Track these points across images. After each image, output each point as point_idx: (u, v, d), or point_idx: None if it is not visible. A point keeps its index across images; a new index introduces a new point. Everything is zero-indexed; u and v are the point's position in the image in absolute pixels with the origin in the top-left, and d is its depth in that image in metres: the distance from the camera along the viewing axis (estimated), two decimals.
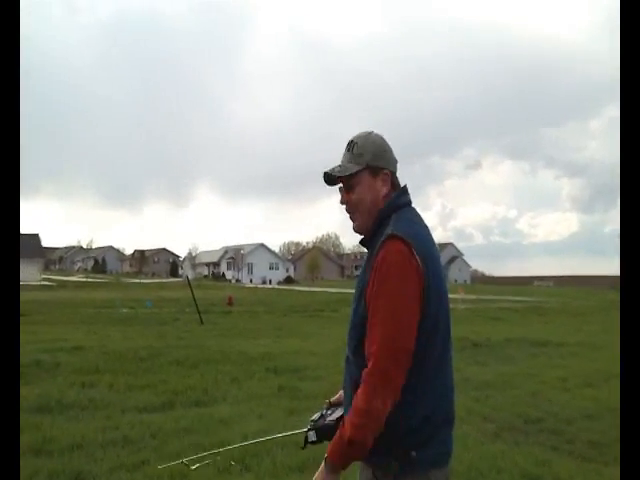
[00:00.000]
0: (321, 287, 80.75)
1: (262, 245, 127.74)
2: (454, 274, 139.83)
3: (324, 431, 2.80)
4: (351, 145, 2.79)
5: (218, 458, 6.24)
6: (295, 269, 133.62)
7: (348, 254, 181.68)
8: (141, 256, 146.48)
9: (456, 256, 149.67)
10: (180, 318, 25.37)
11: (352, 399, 2.50)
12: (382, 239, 2.56)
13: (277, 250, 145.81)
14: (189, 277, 37.35)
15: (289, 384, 10.98)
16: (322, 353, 15.28)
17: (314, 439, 2.82)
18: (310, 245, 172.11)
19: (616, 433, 8.23)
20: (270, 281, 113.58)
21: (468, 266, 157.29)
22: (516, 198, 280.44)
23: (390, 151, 2.81)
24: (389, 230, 2.57)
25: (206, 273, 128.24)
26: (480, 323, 26.51)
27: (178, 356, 13.97)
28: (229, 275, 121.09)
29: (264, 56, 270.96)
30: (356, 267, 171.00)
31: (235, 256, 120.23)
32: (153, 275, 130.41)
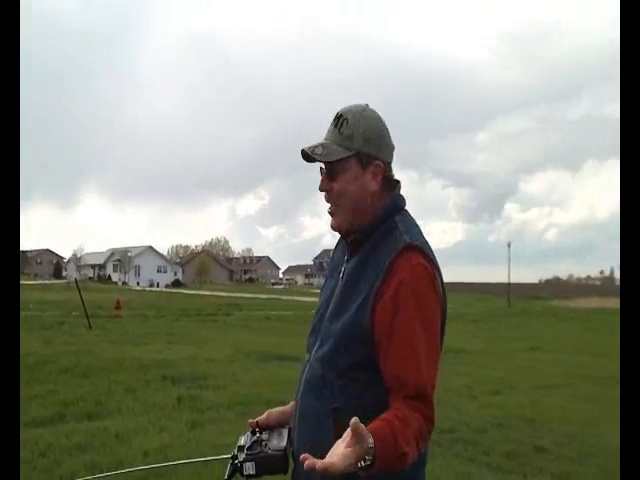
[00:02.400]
0: (210, 291, 79.97)
1: (150, 248, 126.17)
2: None
3: (267, 463, 2.19)
4: (339, 121, 2.22)
5: None
6: (183, 272, 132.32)
7: (237, 258, 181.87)
8: (22, 257, 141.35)
9: None
10: (66, 322, 24.04)
11: (317, 432, 2.04)
12: (397, 247, 2.10)
13: (165, 253, 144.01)
14: (74, 279, 35.85)
15: (189, 394, 10.33)
16: (220, 360, 14.69)
17: (252, 472, 2.18)
18: (199, 249, 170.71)
19: (529, 442, 8.12)
20: (158, 284, 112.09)
21: None
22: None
23: (387, 135, 2.27)
24: (405, 237, 2.13)
25: (91, 275, 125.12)
26: None
27: (67, 364, 12.94)
28: (115, 278, 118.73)
29: (155, 55, 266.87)
30: (245, 271, 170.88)
31: (122, 258, 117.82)
32: (35, 276, 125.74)
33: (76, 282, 25.48)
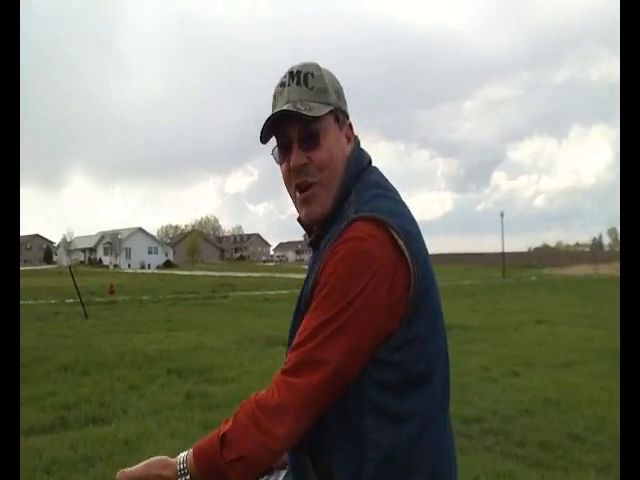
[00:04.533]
0: (202, 271, 79.60)
1: (140, 229, 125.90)
2: None
3: None
4: (300, 77, 1.76)
5: None
6: (174, 253, 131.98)
7: (227, 237, 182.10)
8: None
9: None
10: (61, 311, 23.46)
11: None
12: (340, 228, 1.63)
13: (155, 234, 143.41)
14: (64, 264, 35.21)
15: (197, 389, 9.80)
16: (224, 348, 14.17)
17: None
18: (189, 228, 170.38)
19: (562, 430, 7.68)
20: (149, 266, 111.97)
21: None
22: (391, 178, 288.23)
23: (342, 88, 1.86)
24: (350, 212, 1.66)
25: (82, 259, 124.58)
26: None
27: (66, 360, 12.32)
28: (106, 261, 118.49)
29: (140, 34, 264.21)
30: (236, 249, 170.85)
31: (112, 241, 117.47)
32: (26, 262, 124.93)
33: (70, 270, 24.85)
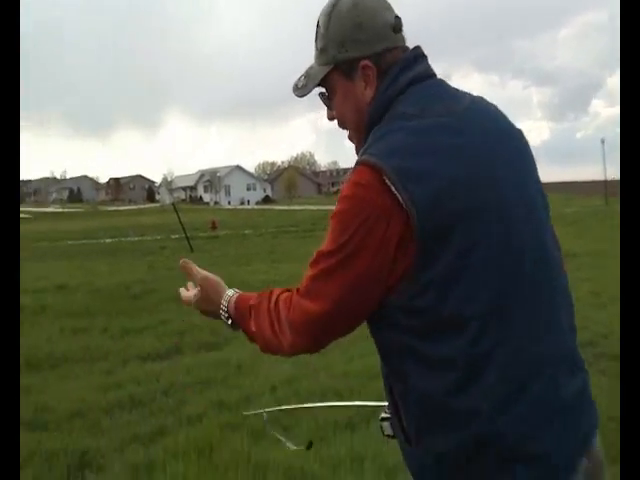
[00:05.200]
0: (300, 205, 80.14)
1: (238, 167, 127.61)
2: None
3: None
4: (315, 33, 1.81)
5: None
6: (272, 189, 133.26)
7: (324, 171, 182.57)
8: (116, 184, 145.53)
9: None
10: (167, 246, 24.07)
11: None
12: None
13: (253, 171, 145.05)
14: (167, 202, 35.98)
15: None
16: None
17: (390, 433, 1.86)
18: (285, 164, 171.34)
19: None
20: (248, 202, 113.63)
21: None
22: None
23: (370, 18, 1.70)
24: (360, 154, 1.67)
25: (184, 197, 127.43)
26: None
27: (174, 291, 12.63)
28: (207, 198, 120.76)
29: None
30: (332, 184, 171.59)
31: (212, 179, 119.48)
32: (130, 202, 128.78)
33: (174, 206, 25.37)
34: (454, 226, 1.52)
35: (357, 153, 1.78)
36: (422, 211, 1.49)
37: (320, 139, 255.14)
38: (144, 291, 12.64)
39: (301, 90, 1.83)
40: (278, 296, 1.73)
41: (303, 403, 5.83)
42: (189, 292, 1.98)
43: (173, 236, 27.20)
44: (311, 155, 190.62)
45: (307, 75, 1.83)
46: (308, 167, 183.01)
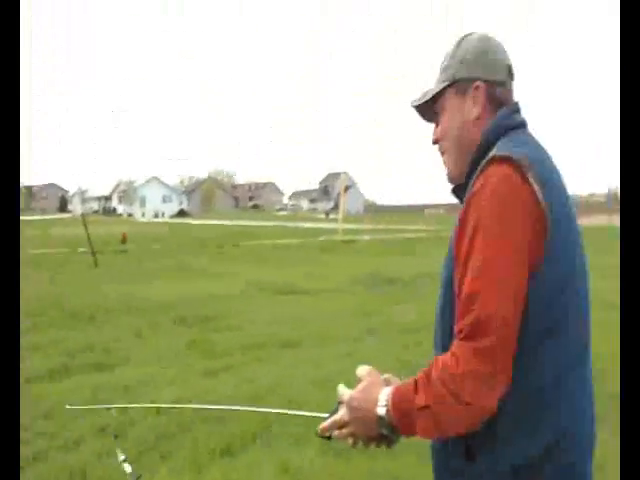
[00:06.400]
0: (216, 219, 79.74)
1: (155, 178, 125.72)
2: (348, 204, 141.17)
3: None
4: (444, 57, 1.98)
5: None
6: (189, 202, 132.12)
7: (242, 185, 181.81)
8: (28, 192, 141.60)
9: (349, 185, 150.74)
10: (72, 259, 23.59)
11: None
12: (479, 169, 1.71)
13: (170, 183, 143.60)
14: (78, 212, 35.23)
15: (200, 337, 9.84)
16: (232, 297, 14.24)
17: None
18: (204, 177, 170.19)
19: None
20: (163, 214, 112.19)
21: (361, 195, 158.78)
22: None
23: (493, 52, 1.91)
24: (491, 154, 1.71)
25: (96, 208, 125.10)
26: (388, 255, 25.83)
27: (72, 307, 12.46)
28: (121, 209, 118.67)
29: None
30: (250, 198, 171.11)
31: (127, 189, 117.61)
32: (42, 211, 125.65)
33: (82, 218, 24.88)
34: (564, 240, 1.66)
35: (449, 176, 1.97)
36: (554, 217, 1.62)
37: (241, 153, 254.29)
38: (41, 307, 12.37)
39: (417, 101, 2.00)
40: (440, 362, 1.60)
41: (185, 427, 5.89)
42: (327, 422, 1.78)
43: (80, 249, 26.63)
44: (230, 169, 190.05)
45: (426, 92, 1.98)
46: (227, 180, 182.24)
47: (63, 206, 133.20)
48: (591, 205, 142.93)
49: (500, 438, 1.63)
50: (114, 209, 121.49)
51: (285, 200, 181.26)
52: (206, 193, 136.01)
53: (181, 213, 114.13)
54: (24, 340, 9.54)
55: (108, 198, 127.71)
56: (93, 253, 22.19)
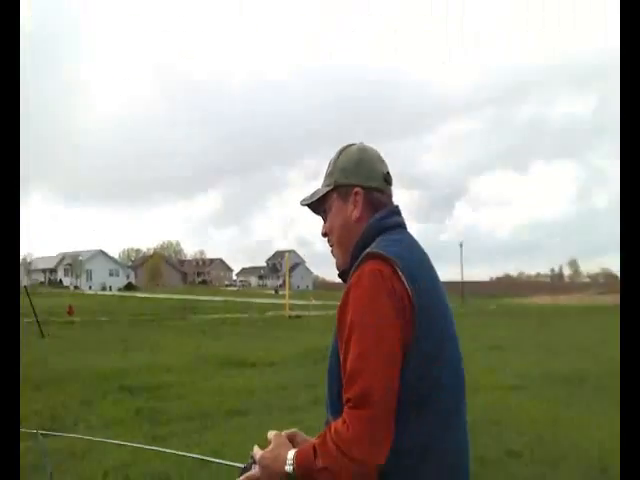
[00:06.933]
0: (164, 294, 79.04)
1: (101, 251, 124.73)
2: (297, 281, 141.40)
3: None
4: (328, 164, 2.32)
5: None
6: (136, 276, 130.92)
7: (189, 260, 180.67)
8: None
9: (298, 263, 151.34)
10: None
11: None
12: (356, 264, 2.02)
13: (117, 256, 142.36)
14: (23, 284, 34.98)
15: (147, 405, 9.96)
16: (177, 368, 14.32)
17: None
18: (151, 251, 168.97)
19: (501, 447, 7.92)
20: (110, 288, 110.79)
21: (310, 273, 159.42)
22: None
23: (371, 163, 2.24)
24: (366, 251, 2.02)
25: (42, 280, 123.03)
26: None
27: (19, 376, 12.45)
28: (67, 282, 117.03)
29: (102, 59, 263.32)
30: (198, 274, 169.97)
31: (73, 262, 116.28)
32: None
33: (26, 289, 24.74)
34: (432, 317, 1.94)
35: (336, 264, 2.27)
36: (420, 299, 1.91)
37: (188, 228, 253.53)
38: None
39: (306, 200, 2.29)
40: (332, 428, 1.86)
41: None
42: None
43: (25, 320, 26.35)
44: (177, 243, 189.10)
45: (314, 192, 2.28)
46: (174, 255, 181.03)
47: None
48: (538, 284, 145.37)
49: None
50: (60, 281, 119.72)
51: (234, 276, 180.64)
52: (153, 268, 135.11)
53: (129, 286, 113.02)
54: None
55: (54, 271, 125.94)
56: (39, 324, 22.05)
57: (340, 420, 1.85)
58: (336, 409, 1.94)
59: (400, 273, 1.91)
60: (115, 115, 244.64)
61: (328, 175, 2.27)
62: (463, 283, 74.49)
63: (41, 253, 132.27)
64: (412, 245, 2.13)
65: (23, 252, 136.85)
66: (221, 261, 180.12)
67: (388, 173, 2.26)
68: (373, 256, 1.96)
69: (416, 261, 2.04)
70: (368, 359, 1.84)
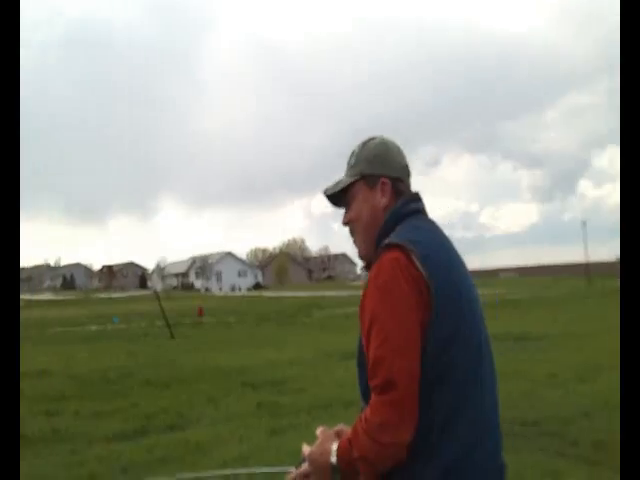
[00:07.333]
0: (290, 291, 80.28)
1: (229, 253, 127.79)
2: None
3: None
4: (350, 156, 2.41)
5: None
6: (263, 275, 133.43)
7: (315, 257, 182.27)
8: (109, 271, 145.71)
9: None
10: (150, 333, 24.52)
11: None
12: (375, 256, 2.14)
13: (244, 257, 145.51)
14: (158, 289, 36.52)
15: (268, 399, 10.30)
16: (301, 362, 14.66)
17: None
18: (277, 250, 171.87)
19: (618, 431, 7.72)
20: (239, 288, 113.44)
21: None
22: (476, 192, 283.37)
23: (393, 155, 2.36)
24: (385, 242, 2.13)
25: (175, 284, 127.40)
26: None
27: (149, 375, 13.19)
28: (198, 284, 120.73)
29: (223, 62, 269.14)
30: (323, 269, 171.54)
31: (203, 265, 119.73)
32: (122, 289, 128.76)
33: (156, 293, 25.86)
34: (450, 301, 2.04)
35: (359, 254, 2.37)
36: (437, 285, 2.01)
37: (312, 224, 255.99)
38: (120, 376, 13.09)
39: (330, 190, 2.39)
40: (363, 417, 1.99)
41: None
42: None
43: (158, 323, 27.56)
44: (302, 241, 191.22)
45: (338, 182, 2.38)
46: (299, 253, 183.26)
47: (143, 283, 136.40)
48: None
49: (403, 467, 1.99)
50: (192, 284, 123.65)
51: (358, 270, 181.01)
52: (279, 267, 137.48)
53: (257, 286, 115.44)
54: (106, 406, 10.23)
55: (185, 274, 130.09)
56: (169, 326, 23.00)
57: (368, 408, 1.97)
58: (368, 398, 2.04)
59: (414, 259, 2.02)
60: (235, 115, 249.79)
61: (352, 166, 2.35)
62: (587, 264, 72.05)
63: (173, 258, 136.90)
64: (430, 230, 2.23)
65: (157, 258, 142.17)
66: (345, 256, 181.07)
67: (407, 165, 2.38)
68: (390, 246, 2.07)
69: (434, 245, 2.14)
70: (389, 347, 1.95)
